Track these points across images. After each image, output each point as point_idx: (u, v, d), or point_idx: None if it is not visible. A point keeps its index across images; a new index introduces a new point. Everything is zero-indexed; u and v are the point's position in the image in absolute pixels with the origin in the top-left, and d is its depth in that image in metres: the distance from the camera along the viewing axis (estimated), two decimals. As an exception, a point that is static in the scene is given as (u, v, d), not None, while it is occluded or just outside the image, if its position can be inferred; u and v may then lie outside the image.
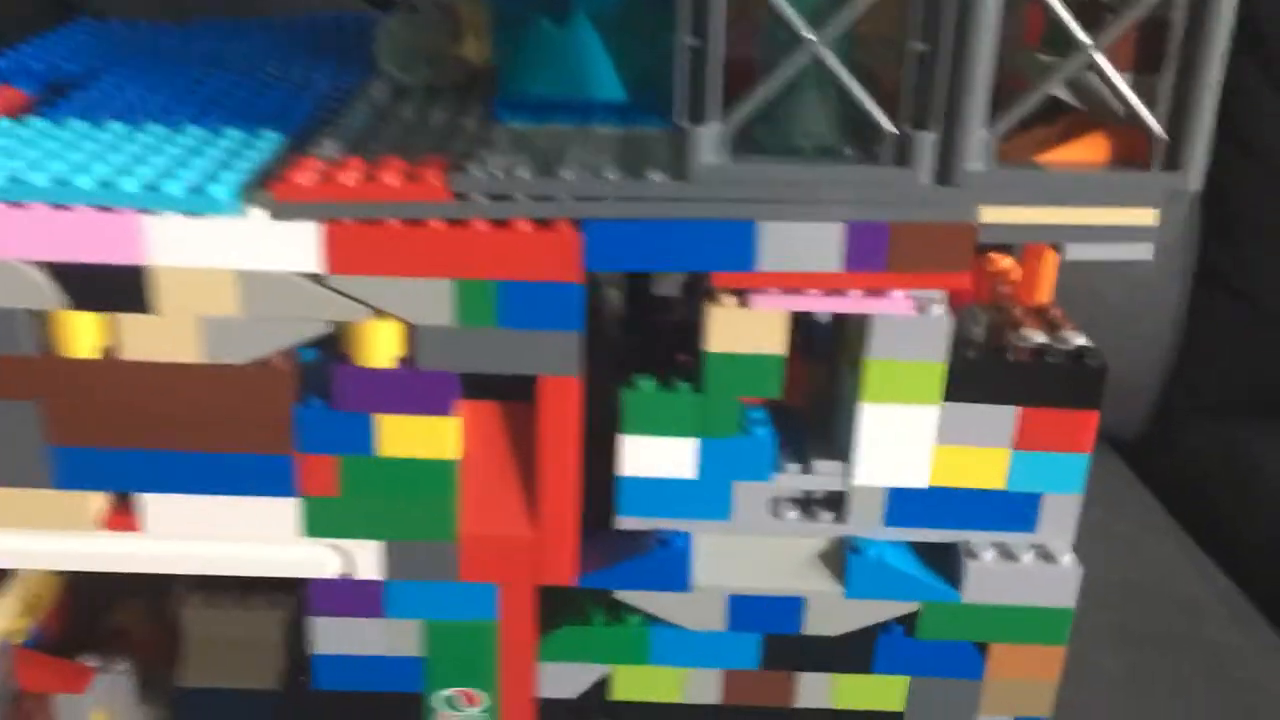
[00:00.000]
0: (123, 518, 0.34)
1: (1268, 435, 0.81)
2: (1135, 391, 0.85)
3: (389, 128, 0.36)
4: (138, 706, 0.43)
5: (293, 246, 0.31)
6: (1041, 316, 0.36)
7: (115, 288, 0.31)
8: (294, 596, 0.39)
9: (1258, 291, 0.83)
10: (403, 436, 0.33)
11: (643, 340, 0.39)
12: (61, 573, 0.42)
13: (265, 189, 0.31)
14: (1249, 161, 0.81)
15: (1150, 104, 0.31)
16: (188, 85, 0.40)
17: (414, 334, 0.32)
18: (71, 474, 0.33)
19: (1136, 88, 0.31)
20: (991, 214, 0.31)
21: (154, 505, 0.34)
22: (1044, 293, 0.38)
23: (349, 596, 0.36)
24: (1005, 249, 0.40)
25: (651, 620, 0.36)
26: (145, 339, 0.32)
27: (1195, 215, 0.82)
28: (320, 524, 0.34)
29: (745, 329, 0.33)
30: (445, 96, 0.40)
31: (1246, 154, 0.81)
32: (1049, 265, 0.38)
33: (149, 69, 0.42)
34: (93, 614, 0.44)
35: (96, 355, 0.33)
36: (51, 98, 0.40)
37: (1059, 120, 0.32)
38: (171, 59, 0.43)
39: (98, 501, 0.34)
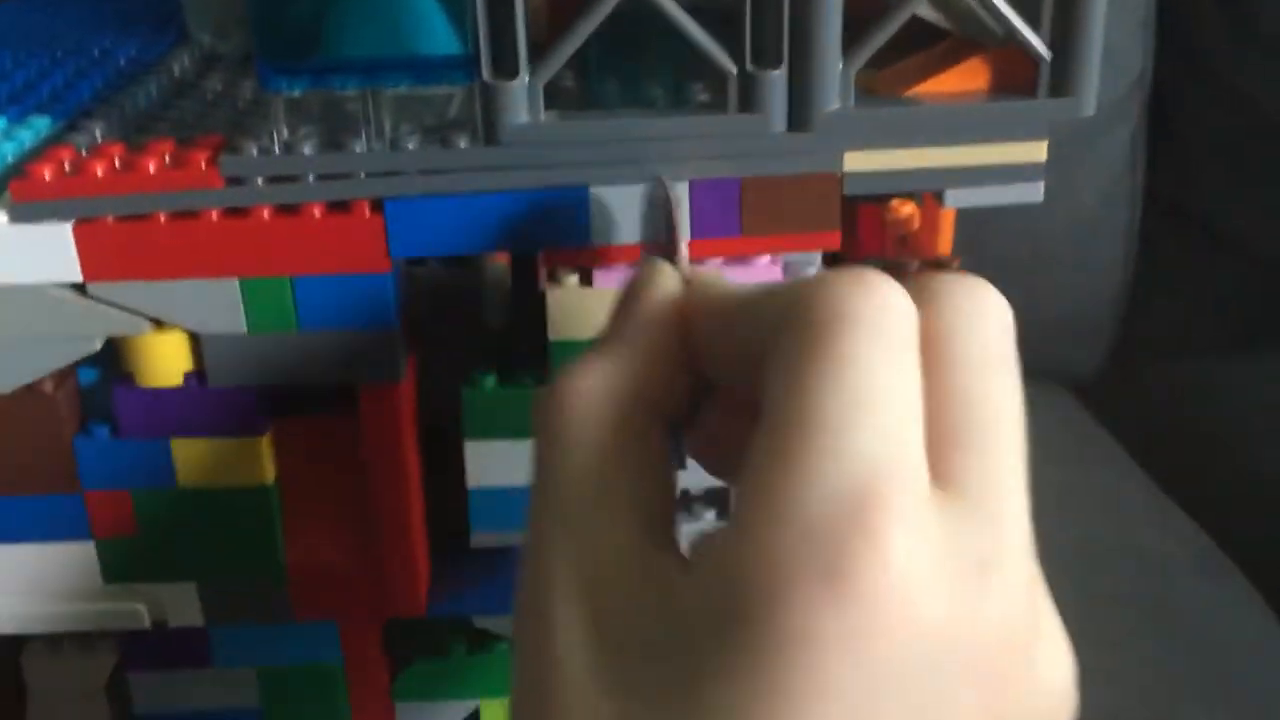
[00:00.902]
0: (-103, 578, 0.30)
1: (1228, 367, 0.78)
2: (1090, 329, 0.81)
3: (179, 105, 0.31)
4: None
5: (44, 252, 0.27)
6: (943, 270, 0.32)
7: None
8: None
9: (1211, 214, 0.79)
10: (204, 463, 0.29)
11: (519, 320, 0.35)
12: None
13: (5, 189, 0.27)
14: (1194, 76, 0.76)
15: (1033, 22, 0.26)
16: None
17: (203, 344, 0.28)
18: None
19: (1017, 3, 0.26)
20: (857, 160, 0.27)
21: (-74, 559, 0.29)
22: (944, 243, 0.34)
23: (169, 647, 0.31)
24: (907, 195, 0.36)
25: (519, 646, 0.32)
26: (-116, 372, 0.27)
27: (1140, 137, 0.77)
28: (120, 569, 0.30)
29: (591, 311, 0.28)
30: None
31: (1193, 69, 0.77)
32: (948, 212, 0.33)
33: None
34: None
35: None
36: None
37: (932, 48, 0.28)
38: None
39: None
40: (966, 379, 0.20)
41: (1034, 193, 0.27)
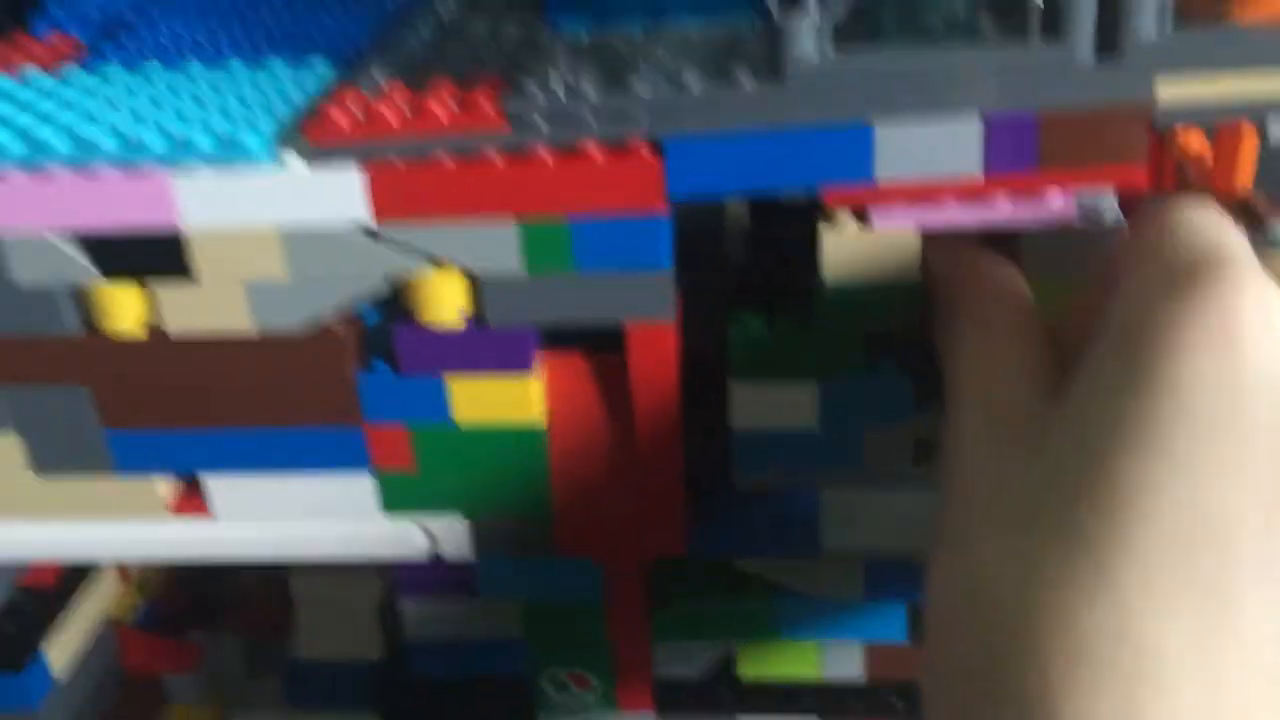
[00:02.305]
0: (192, 501, 0.32)
1: None
2: None
3: (452, 47, 0.32)
4: (247, 681, 0.41)
5: (336, 195, 0.27)
6: (1242, 209, 0.29)
7: (150, 255, 0.28)
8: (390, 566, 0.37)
9: None
10: (479, 401, 0.29)
11: (770, 261, 0.34)
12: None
13: (301, 133, 0.27)
14: None
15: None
16: (238, 12, 0.36)
17: (480, 285, 0.28)
18: (132, 458, 0.31)
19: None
20: (1171, 89, 0.25)
21: (222, 487, 0.31)
22: (1244, 177, 0.31)
23: (439, 577, 0.32)
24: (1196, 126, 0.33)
25: (778, 590, 0.32)
26: (189, 310, 0.29)
27: None
28: (399, 500, 0.31)
29: (867, 250, 0.28)
30: (525, 3, 0.35)
31: None
32: (1249, 143, 0.31)
33: (206, 6, 0.38)
34: (201, 587, 0.42)
35: (140, 332, 0.29)
36: (102, 43, 0.37)
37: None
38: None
39: (164, 487, 0.32)
40: None
41: (1373, 124, 0.25)
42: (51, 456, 0.31)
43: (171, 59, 0.33)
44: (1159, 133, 0.27)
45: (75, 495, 0.31)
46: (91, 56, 0.35)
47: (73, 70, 0.33)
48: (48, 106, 0.30)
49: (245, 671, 0.41)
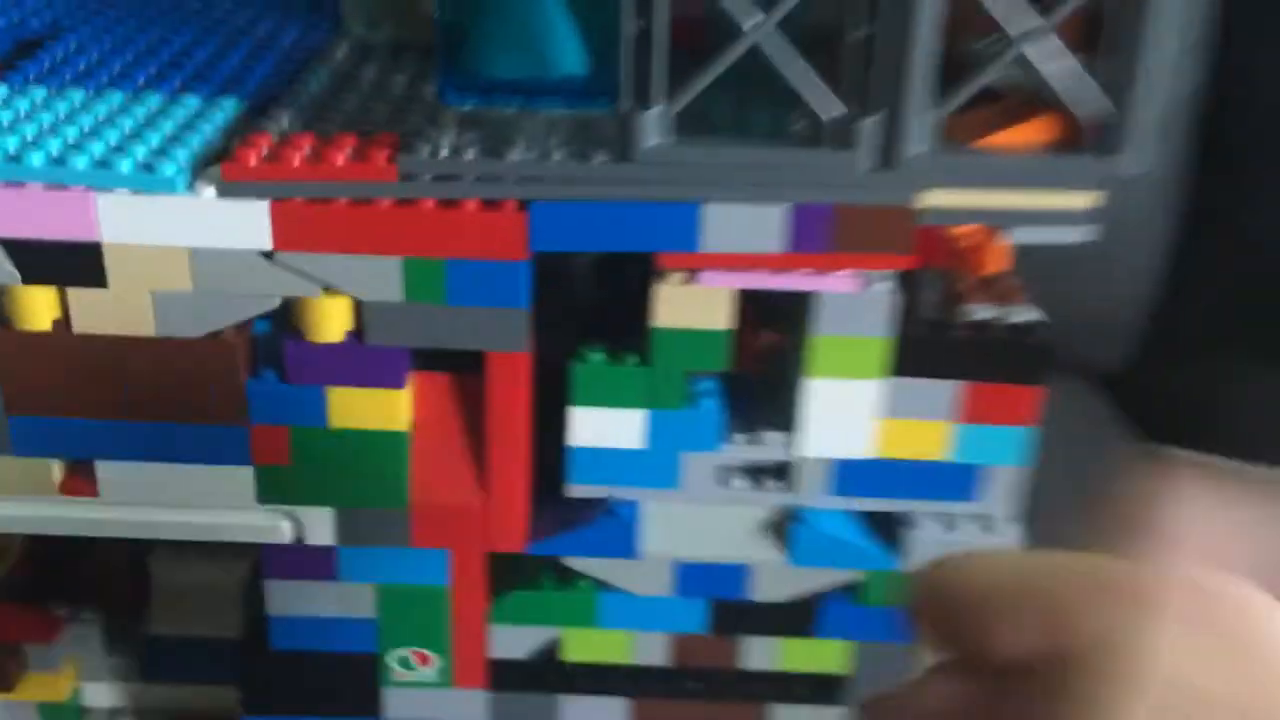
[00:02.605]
0: (80, 484, 0.35)
1: (1244, 369, 0.82)
2: (1120, 328, 0.85)
3: (346, 96, 0.36)
4: (106, 654, 0.44)
5: (243, 224, 0.32)
6: (993, 286, 0.36)
7: (68, 263, 0.32)
8: (256, 549, 0.41)
9: (1245, 226, 0.83)
10: (354, 408, 0.34)
11: (609, 305, 0.40)
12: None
13: (215, 167, 0.32)
14: (1246, 96, 0.80)
15: (1094, 84, 0.31)
16: (150, 43, 0.40)
17: (363, 309, 0.33)
18: (29, 442, 0.34)
19: (1079, 66, 0.31)
20: (932, 198, 0.32)
21: (110, 472, 0.35)
22: (999, 260, 0.38)
23: (303, 561, 0.36)
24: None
25: (600, 585, 0.37)
26: (98, 313, 0.33)
27: (1182, 152, 0.81)
28: (273, 491, 0.35)
29: (692, 305, 0.33)
30: (409, 56, 0.40)
31: (1244, 89, 0.80)
32: (1002, 242, 0.38)
33: (114, 24, 0.42)
34: (60, 560, 0.45)
35: (48, 329, 0.33)
36: (17, 58, 0.40)
37: (1004, 102, 0.32)
38: (137, 11, 0.43)
39: (56, 469, 0.35)
40: None
41: (1086, 234, 0.32)
42: (-47, 437, 0.34)
43: (86, 84, 0.36)
44: (928, 228, 0.33)
45: (-23, 473, 0.34)
46: (9, 72, 0.38)
47: (-7, 85, 0.36)
48: (-28, 120, 0.34)
49: (104, 646, 0.44)
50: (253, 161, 0.31)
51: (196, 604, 0.42)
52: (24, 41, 0.42)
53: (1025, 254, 0.38)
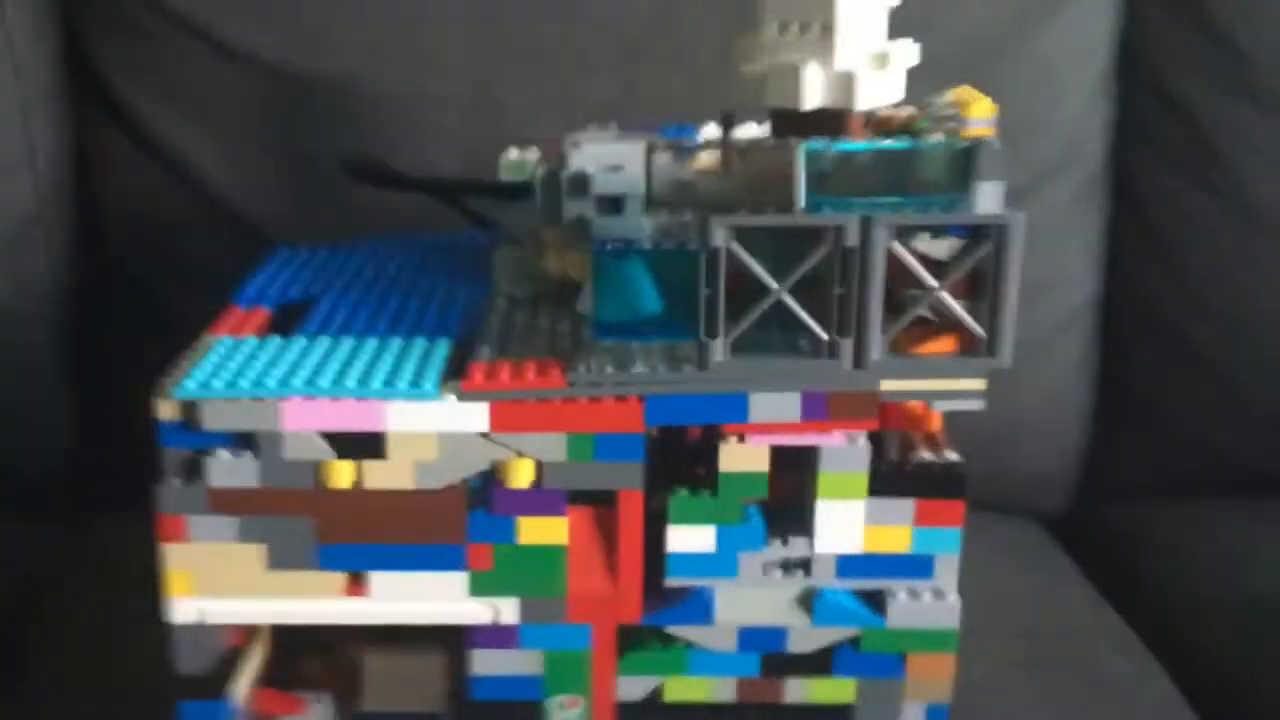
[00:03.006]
0: (357, 587, 0.55)
1: (1180, 510, 1.01)
2: (1056, 478, 1.05)
3: (516, 332, 0.58)
4: (336, 725, 0.62)
5: (471, 417, 0.52)
6: (931, 440, 0.57)
7: (363, 444, 0.52)
8: (442, 645, 0.59)
9: (1157, 389, 1.04)
10: (533, 530, 0.54)
11: (675, 458, 0.60)
12: (274, 630, 0.62)
13: (455, 382, 0.53)
14: (1136, 305, 1.02)
15: (977, 316, 0.52)
16: (377, 303, 0.62)
17: (542, 467, 0.53)
18: (329, 560, 0.54)
19: (971, 308, 0.52)
20: (887, 385, 0.53)
21: (378, 578, 0.54)
22: (933, 423, 0.59)
23: (496, 635, 0.56)
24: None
25: (688, 645, 0.57)
26: (379, 476, 0.53)
27: (1094, 347, 1.03)
28: (480, 588, 0.55)
29: (743, 457, 0.54)
30: (541, 302, 0.62)
31: (1165, 253, 1.01)
32: (936, 411, 0.59)
33: (348, 290, 0.63)
34: (285, 664, 0.63)
35: (348, 486, 0.53)
36: (285, 315, 0.61)
37: (927, 326, 0.54)
38: (358, 281, 0.65)
39: (342, 578, 0.55)
40: None
41: (980, 404, 0.53)
42: (282, 559, 0.54)
43: (351, 333, 0.58)
44: (887, 404, 0.54)
45: (295, 583, 0.54)
46: (285, 324, 0.59)
47: (276, 339, 0.57)
48: (292, 358, 0.55)
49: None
50: (478, 379, 0.52)
51: (399, 689, 0.61)
52: (285, 305, 0.63)
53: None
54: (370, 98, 0.89)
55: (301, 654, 0.63)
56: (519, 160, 0.66)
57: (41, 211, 0.93)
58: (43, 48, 0.92)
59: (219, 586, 0.54)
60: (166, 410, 0.52)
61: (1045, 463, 1.03)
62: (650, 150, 0.54)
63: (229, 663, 0.57)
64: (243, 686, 0.58)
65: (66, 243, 0.95)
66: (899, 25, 0.90)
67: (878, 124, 0.58)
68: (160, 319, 0.93)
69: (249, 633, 0.59)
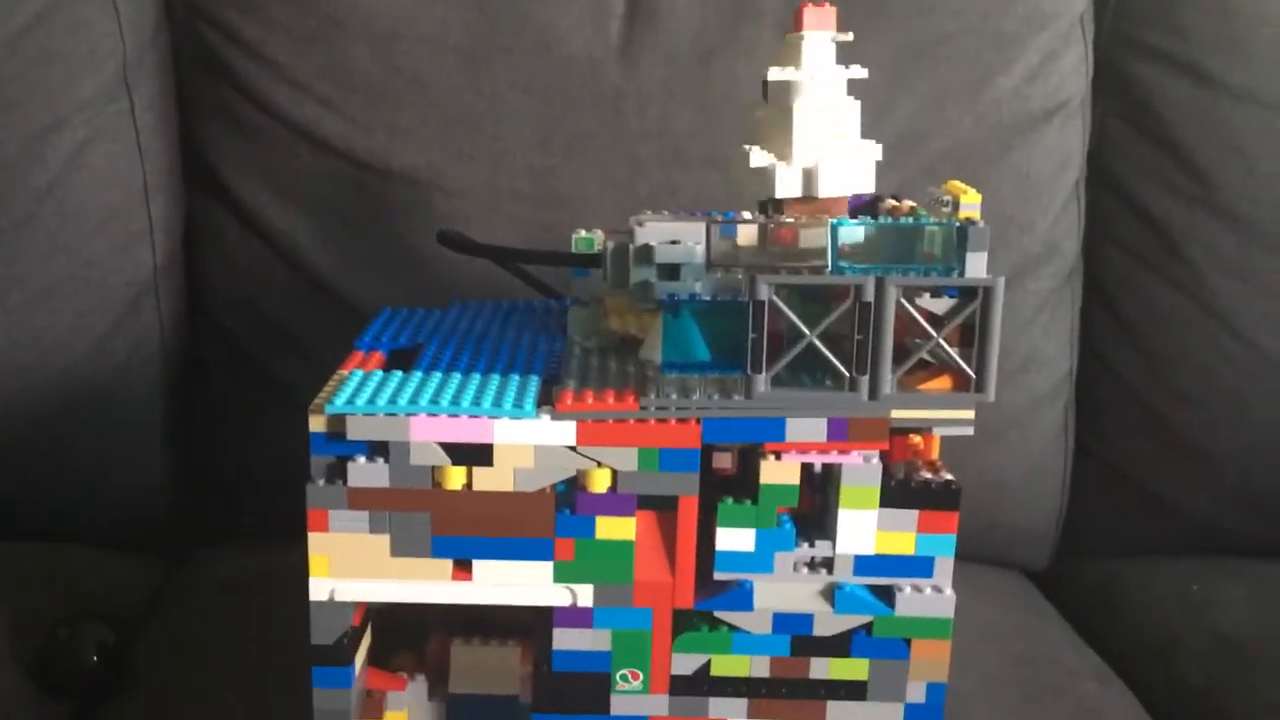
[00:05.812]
0: (462, 573, 0.67)
1: (1152, 567, 1.13)
2: (1039, 531, 1.17)
3: (592, 371, 0.71)
4: (426, 705, 0.74)
5: (561, 433, 0.65)
6: (931, 465, 0.70)
7: (475, 454, 0.65)
8: (518, 637, 0.71)
9: (1128, 458, 1.16)
10: (608, 528, 0.66)
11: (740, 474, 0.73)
12: (377, 624, 0.74)
13: (549, 405, 0.66)
14: (1111, 384, 1.15)
15: (968, 360, 0.65)
16: (475, 348, 0.75)
17: (617, 475, 0.66)
18: (441, 549, 0.66)
19: (963, 354, 0.65)
20: (897, 414, 0.66)
21: (480, 565, 0.67)
22: (934, 453, 0.72)
23: (575, 615, 0.68)
24: (915, 430, 0.74)
25: (733, 628, 0.69)
26: (486, 480, 0.66)
27: (1071, 410, 1.16)
28: (562, 576, 0.67)
29: (780, 471, 0.67)
30: (609, 352, 0.75)
31: (1133, 337, 1.14)
32: (936, 441, 0.72)
33: (449, 339, 0.77)
34: (385, 652, 0.75)
35: (460, 488, 0.66)
36: (395, 358, 0.74)
37: (928, 369, 0.67)
38: (455, 333, 0.78)
39: (450, 565, 0.67)
40: None
41: (969, 430, 0.66)
42: (403, 547, 0.66)
43: (460, 369, 0.71)
44: (895, 431, 0.67)
45: (411, 568, 0.66)
46: (399, 364, 0.72)
47: (398, 372, 0.70)
48: (414, 385, 0.68)
49: (426, 700, 0.73)
50: (568, 402, 0.65)
51: (484, 675, 0.72)
52: (396, 350, 0.77)
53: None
54: (448, 189, 1.04)
55: (397, 645, 0.75)
56: (588, 237, 0.80)
57: (157, 281, 1.06)
58: (164, 138, 1.07)
59: (349, 570, 0.66)
60: (318, 424, 0.65)
61: (1028, 521, 1.15)
62: (709, 225, 0.68)
63: (352, 641, 0.69)
64: (358, 663, 0.70)
65: (176, 310, 1.09)
66: (899, 140, 1.08)
67: (889, 211, 0.72)
68: (256, 382, 1.07)
69: (364, 618, 0.71)
